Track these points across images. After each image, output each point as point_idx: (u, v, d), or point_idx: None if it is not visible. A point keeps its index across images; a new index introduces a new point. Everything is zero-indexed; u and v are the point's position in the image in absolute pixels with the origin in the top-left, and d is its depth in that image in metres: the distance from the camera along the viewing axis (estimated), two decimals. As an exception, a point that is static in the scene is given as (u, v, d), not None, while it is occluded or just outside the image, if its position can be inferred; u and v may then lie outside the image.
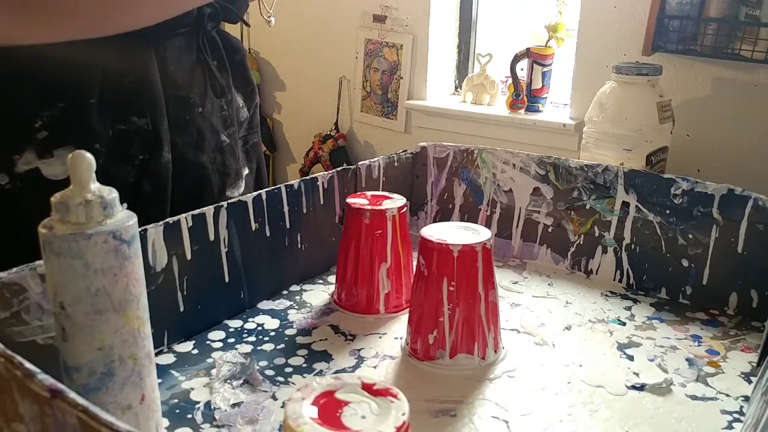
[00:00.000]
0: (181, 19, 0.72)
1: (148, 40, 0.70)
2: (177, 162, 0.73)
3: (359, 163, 0.88)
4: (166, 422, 0.56)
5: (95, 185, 0.47)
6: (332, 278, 0.84)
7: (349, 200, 0.76)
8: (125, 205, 0.49)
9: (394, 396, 0.41)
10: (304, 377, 0.63)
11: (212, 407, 0.58)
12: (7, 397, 0.39)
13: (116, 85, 0.68)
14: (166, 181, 0.72)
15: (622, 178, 0.84)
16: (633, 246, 0.84)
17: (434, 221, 0.98)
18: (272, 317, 0.74)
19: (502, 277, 0.86)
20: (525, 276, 0.88)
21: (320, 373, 0.64)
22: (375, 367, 0.66)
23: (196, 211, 0.67)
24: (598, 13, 1.70)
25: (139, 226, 0.61)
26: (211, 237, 0.69)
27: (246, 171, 0.86)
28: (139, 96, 0.69)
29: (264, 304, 0.77)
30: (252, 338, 0.70)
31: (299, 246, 0.81)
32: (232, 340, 0.69)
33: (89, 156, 0.46)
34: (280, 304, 0.78)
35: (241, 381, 0.62)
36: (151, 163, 0.71)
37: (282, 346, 0.69)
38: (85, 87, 0.66)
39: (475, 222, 0.92)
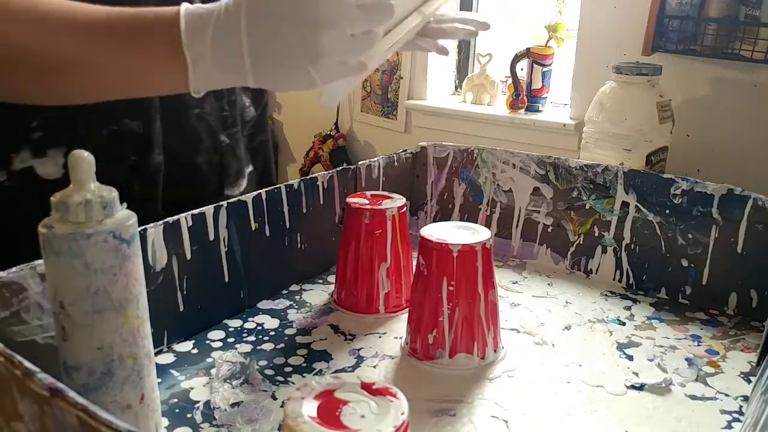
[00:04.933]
0: None
1: None
2: (170, 163, 0.73)
3: (359, 162, 0.88)
4: (165, 422, 0.56)
5: (95, 185, 0.47)
6: (332, 278, 0.84)
7: (349, 200, 0.76)
8: (125, 204, 0.49)
9: (394, 395, 0.41)
10: (303, 377, 0.63)
11: (212, 407, 0.58)
12: (6, 397, 0.39)
13: None
14: (156, 182, 0.72)
15: (621, 178, 0.84)
16: (633, 246, 0.84)
17: (434, 221, 0.98)
18: (272, 317, 0.74)
19: (502, 277, 0.86)
20: (525, 276, 0.88)
21: (320, 372, 0.64)
22: (374, 366, 0.66)
23: (196, 211, 0.67)
24: (598, 13, 1.70)
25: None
26: (211, 237, 0.69)
27: (249, 168, 0.86)
28: (131, 99, 0.69)
29: (264, 304, 0.77)
30: (252, 338, 0.70)
31: (299, 246, 0.81)
32: (231, 339, 0.69)
33: (89, 156, 0.46)
34: (280, 303, 0.78)
35: (241, 380, 0.62)
36: (142, 165, 0.71)
37: (282, 345, 0.69)
38: None
39: (475, 222, 0.92)
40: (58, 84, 0.53)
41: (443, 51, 0.82)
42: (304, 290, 0.81)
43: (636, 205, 0.83)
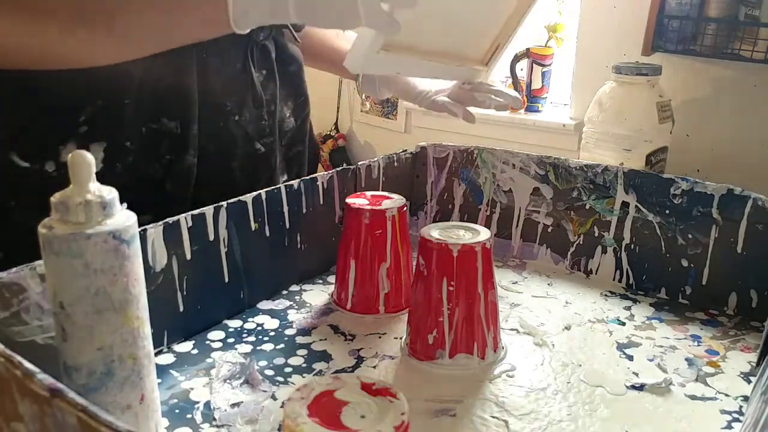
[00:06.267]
0: None
1: (191, 48, 0.70)
2: (204, 166, 0.74)
3: (359, 163, 0.88)
4: (165, 422, 0.56)
5: (95, 185, 0.47)
6: (332, 278, 0.84)
7: (349, 200, 0.76)
8: (125, 204, 0.49)
9: (394, 396, 0.41)
10: (303, 377, 0.63)
11: (212, 407, 0.58)
12: (6, 397, 0.39)
13: (152, 88, 0.69)
14: (187, 183, 0.74)
15: (621, 178, 0.84)
16: (632, 246, 0.84)
17: (434, 221, 0.98)
18: (272, 317, 0.74)
19: (502, 277, 0.86)
20: (525, 276, 0.88)
21: (320, 373, 0.64)
22: (374, 366, 0.66)
23: (196, 211, 0.67)
24: (598, 13, 1.70)
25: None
26: (211, 237, 0.69)
27: (284, 178, 0.87)
28: (172, 100, 0.71)
29: (264, 304, 0.77)
30: (252, 338, 0.70)
31: (299, 246, 0.81)
32: (231, 340, 0.69)
33: (89, 156, 0.46)
34: (280, 304, 0.78)
35: (241, 381, 0.62)
36: (176, 165, 0.72)
37: (281, 346, 0.69)
38: (122, 87, 0.67)
39: (475, 222, 0.92)
40: (97, 31, 0.54)
41: (470, 119, 0.82)
42: (304, 290, 0.81)
43: (636, 205, 0.83)
